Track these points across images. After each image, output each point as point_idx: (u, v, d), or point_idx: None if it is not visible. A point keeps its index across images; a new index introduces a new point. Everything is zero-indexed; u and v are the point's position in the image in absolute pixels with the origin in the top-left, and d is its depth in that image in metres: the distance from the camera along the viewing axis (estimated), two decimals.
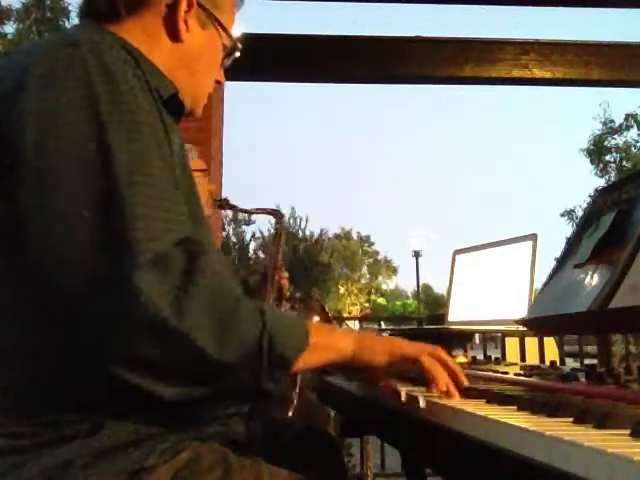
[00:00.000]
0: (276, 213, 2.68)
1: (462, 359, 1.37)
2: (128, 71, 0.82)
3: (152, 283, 0.69)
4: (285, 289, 2.49)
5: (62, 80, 0.77)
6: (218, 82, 1.07)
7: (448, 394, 0.88)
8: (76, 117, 0.75)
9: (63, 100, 0.76)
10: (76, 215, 0.72)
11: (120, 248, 0.71)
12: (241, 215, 20.75)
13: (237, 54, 1.07)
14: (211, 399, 0.81)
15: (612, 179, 20.08)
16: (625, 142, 21.45)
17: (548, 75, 4.07)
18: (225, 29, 1.01)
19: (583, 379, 0.93)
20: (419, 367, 0.91)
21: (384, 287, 42.42)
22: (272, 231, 2.80)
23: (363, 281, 37.88)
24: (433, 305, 40.54)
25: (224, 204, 2.53)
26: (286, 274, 2.54)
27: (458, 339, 1.80)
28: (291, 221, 28.57)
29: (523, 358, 2.50)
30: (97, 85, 0.77)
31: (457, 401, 0.84)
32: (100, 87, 0.77)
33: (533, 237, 1.70)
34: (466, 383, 0.91)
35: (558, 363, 1.18)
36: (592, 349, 3.84)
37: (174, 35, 0.95)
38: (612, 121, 21.48)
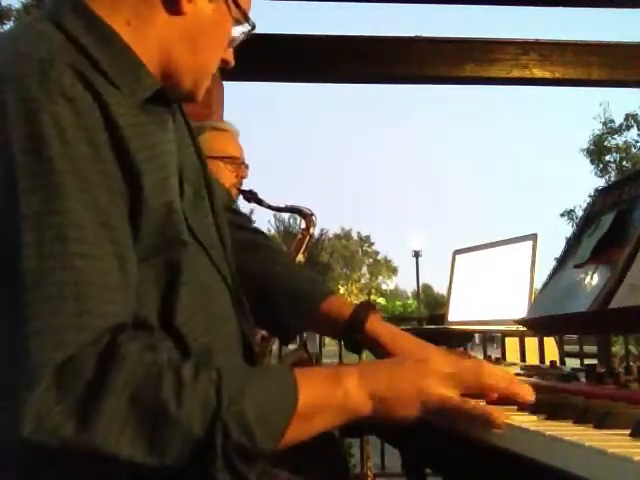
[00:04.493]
0: (305, 214, 2.36)
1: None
2: (62, 105, 0.68)
3: (49, 403, 0.59)
4: None
5: None
6: (225, 61, 0.92)
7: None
8: None
9: None
10: None
11: (18, 361, 0.61)
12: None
13: (249, 30, 0.93)
14: None
15: (612, 179, 20.08)
16: (625, 142, 21.48)
17: (548, 75, 4.07)
18: (235, 0, 0.87)
19: (583, 379, 0.93)
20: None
21: (384, 287, 42.48)
22: (298, 229, 2.48)
23: (363, 281, 37.91)
24: (433, 305, 40.56)
25: (250, 197, 2.21)
26: None
27: (458, 339, 1.80)
28: (291, 221, 28.56)
29: (523, 358, 2.50)
30: (13, 134, 0.65)
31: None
32: (17, 136, 0.65)
33: (533, 237, 1.70)
34: (531, 398, 0.74)
35: (558, 363, 1.18)
36: (592, 349, 3.84)
37: (173, 6, 0.80)
38: (612, 121, 21.51)
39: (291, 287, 1.14)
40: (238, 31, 0.92)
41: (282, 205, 2.48)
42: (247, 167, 2.12)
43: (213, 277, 0.88)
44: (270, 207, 2.41)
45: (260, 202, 2.25)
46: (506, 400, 0.74)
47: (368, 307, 1.08)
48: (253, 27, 0.92)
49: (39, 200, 0.64)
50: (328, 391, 0.71)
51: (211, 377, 0.65)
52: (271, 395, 0.67)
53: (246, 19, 0.90)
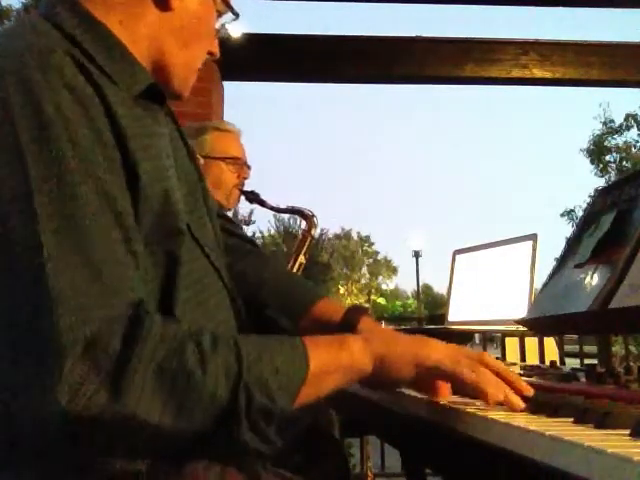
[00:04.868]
0: (307, 215, 2.36)
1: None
2: (61, 93, 0.70)
3: (80, 376, 0.61)
4: None
5: None
6: (211, 54, 0.95)
7: (509, 405, 0.74)
8: None
9: None
10: None
11: (46, 337, 0.62)
12: (240, 215, 20.64)
13: (233, 20, 0.97)
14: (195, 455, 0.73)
15: (612, 179, 20.07)
16: (625, 142, 21.46)
17: (548, 75, 4.07)
18: None
19: (583, 379, 0.93)
20: (457, 381, 0.78)
21: (384, 287, 42.47)
22: (299, 230, 2.55)
23: (363, 281, 37.90)
24: (433, 305, 40.57)
25: (252, 197, 2.21)
26: None
27: (458, 339, 1.80)
28: (291, 221, 28.57)
29: (523, 358, 2.50)
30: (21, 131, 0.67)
31: (462, 403, 0.84)
32: (24, 131, 0.67)
33: (533, 237, 1.70)
34: (529, 392, 0.77)
35: (558, 363, 1.17)
36: (592, 349, 3.84)
37: (163, 2, 0.83)
38: (612, 121, 21.49)
39: (281, 291, 1.17)
40: (223, 21, 0.95)
41: (283, 206, 2.48)
42: (249, 168, 2.12)
43: (210, 275, 0.88)
44: (272, 208, 2.41)
45: (262, 203, 2.25)
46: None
47: (360, 310, 1.09)
48: (237, 16, 0.96)
49: (51, 188, 0.66)
50: (336, 353, 0.76)
51: (229, 345, 0.68)
52: (285, 358, 0.70)
53: (230, 9, 0.94)
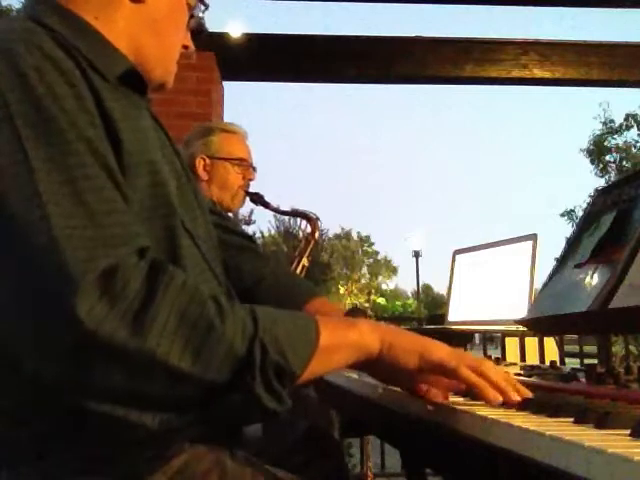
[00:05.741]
0: (310, 218, 2.37)
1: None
2: (49, 73, 0.72)
3: (100, 307, 0.61)
4: None
5: None
6: (185, 47, 0.97)
7: (506, 403, 0.75)
8: None
9: None
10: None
11: (57, 272, 0.62)
12: (240, 215, 20.63)
13: (202, 13, 0.99)
14: (206, 422, 0.72)
15: (612, 179, 20.08)
16: (625, 142, 21.44)
17: (548, 75, 4.07)
18: None
19: (583, 379, 0.93)
20: (458, 380, 0.78)
21: (384, 287, 42.44)
22: (303, 232, 2.56)
23: (363, 281, 37.88)
24: (433, 305, 40.56)
25: (257, 199, 2.21)
26: None
27: (458, 339, 1.80)
28: (291, 221, 28.58)
29: (523, 358, 2.49)
30: (8, 95, 0.69)
31: (463, 402, 0.84)
32: (10, 95, 0.69)
33: (533, 237, 1.70)
34: (526, 394, 0.77)
35: (558, 363, 1.18)
36: (592, 349, 3.84)
37: None
38: (612, 121, 21.47)
39: (277, 288, 1.20)
40: (194, 14, 0.97)
41: (287, 208, 2.52)
42: (255, 169, 2.12)
43: (202, 264, 0.88)
44: (276, 210, 2.43)
45: (266, 205, 2.26)
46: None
47: (358, 312, 1.13)
48: (206, 7, 0.99)
49: (44, 146, 0.67)
50: (345, 330, 0.77)
51: (245, 308, 0.70)
52: (298, 328, 0.72)
53: (200, 1, 0.96)
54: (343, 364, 0.77)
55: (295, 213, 2.49)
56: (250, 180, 2.11)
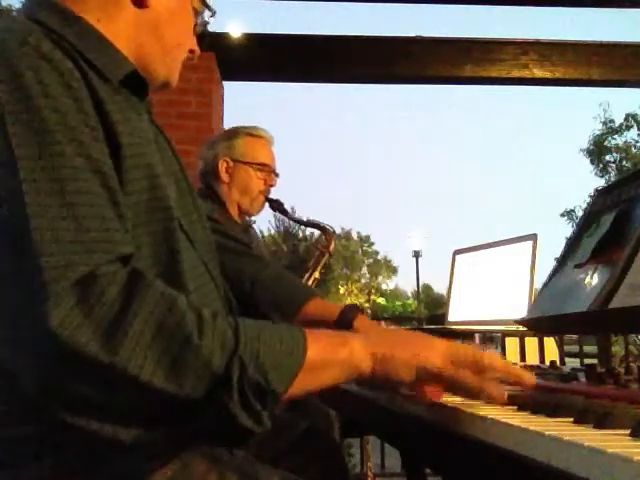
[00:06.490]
0: (327, 231, 2.35)
1: None
2: (42, 70, 0.71)
3: (73, 315, 0.59)
4: None
5: None
6: (192, 51, 0.97)
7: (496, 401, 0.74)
8: None
9: None
10: None
11: (32, 278, 0.61)
12: None
13: (210, 18, 1.00)
14: (182, 439, 0.71)
15: (612, 179, 20.06)
16: (625, 142, 21.42)
17: (548, 75, 4.07)
18: None
19: (583, 379, 0.93)
20: (458, 388, 0.76)
21: (384, 287, 42.44)
22: (317, 242, 2.47)
23: (363, 281, 37.89)
24: (433, 305, 40.52)
25: (276, 206, 2.16)
26: None
27: (458, 339, 1.79)
28: (291, 222, 28.52)
29: (523, 358, 2.49)
30: (2, 95, 0.68)
31: (458, 402, 0.84)
32: (5, 95, 0.68)
33: (533, 237, 1.70)
34: (533, 381, 0.78)
35: (558, 363, 1.17)
36: (592, 349, 3.84)
37: (138, 0, 0.87)
38: (612, 121, 21.44)
39: (274, 290, 1.22)
40: (201, 18, 0.97)
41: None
42: (277, 175, 2.09)
43: (199, 269, 0.88)
44: (294, 219, 2.48)
45: (285, 213, 2.23)
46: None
47: (355, 308, 1.12)
48: (213, 13, 0.99)
49: (32, 146, 0.66)
50: (335, 347, 0.74)
51: (229, 321, 0.67)
52: (283, 344, 0.68)
53: (206, 6, 0.96)
54: (333, 381, 0.74)
55: (312, 224, 2.47)
56: (271, 186, 2.08)
